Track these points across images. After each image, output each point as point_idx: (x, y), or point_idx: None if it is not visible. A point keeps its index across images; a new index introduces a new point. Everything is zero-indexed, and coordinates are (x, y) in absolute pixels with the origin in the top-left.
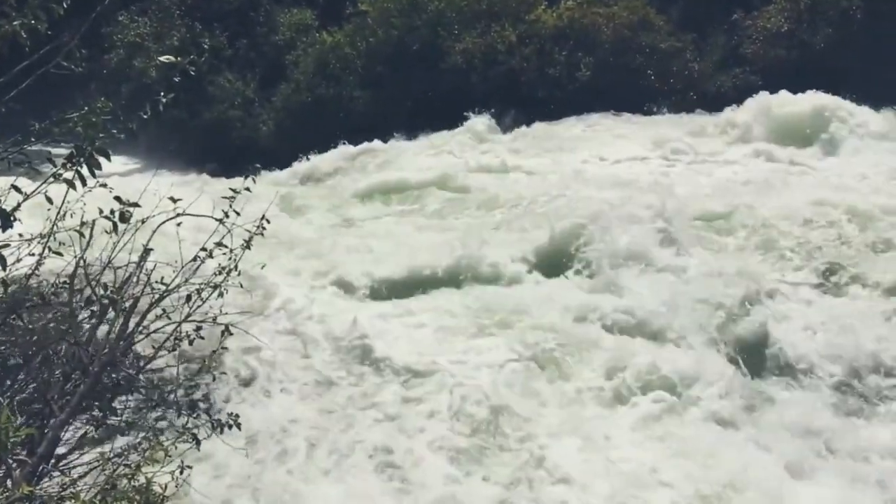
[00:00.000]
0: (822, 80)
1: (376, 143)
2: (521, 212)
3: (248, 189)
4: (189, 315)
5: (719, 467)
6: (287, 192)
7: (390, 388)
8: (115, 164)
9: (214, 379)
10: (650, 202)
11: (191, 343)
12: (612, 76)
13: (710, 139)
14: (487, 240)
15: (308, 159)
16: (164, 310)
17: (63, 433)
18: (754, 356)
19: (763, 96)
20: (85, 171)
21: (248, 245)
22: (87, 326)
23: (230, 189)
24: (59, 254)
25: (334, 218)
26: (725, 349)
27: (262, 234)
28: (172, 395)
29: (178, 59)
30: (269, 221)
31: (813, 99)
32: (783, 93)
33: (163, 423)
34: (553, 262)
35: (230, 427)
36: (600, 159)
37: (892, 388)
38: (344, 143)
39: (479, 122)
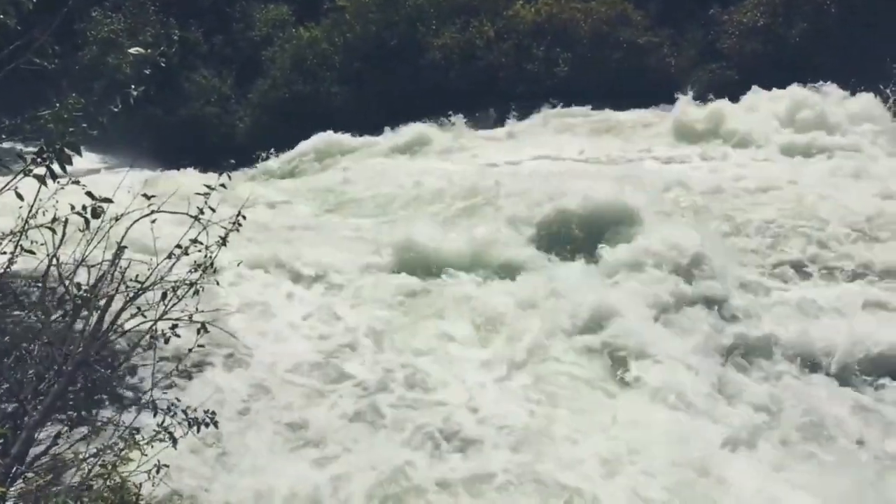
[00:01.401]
0: (797, 73)
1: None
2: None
3: (223, 185)
4: (164, 313)
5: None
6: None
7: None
8: (90, 163)
9: (191, 378)
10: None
11: (167, 342)
12: (591, 72)
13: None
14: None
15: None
16: (139, 308)
17: (37, 434)
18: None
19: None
20: (56, 167)
21: (224, 242)
22: (61, 326)
23: (205, 185)
24: (32, 252)
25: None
26: None
27: (238, 230)
28: (148, 394)
29: (149, 51)
30: (245, 217)
31: (717, 107)
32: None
33: (138, 423)
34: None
35: (207, 425)
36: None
37: None
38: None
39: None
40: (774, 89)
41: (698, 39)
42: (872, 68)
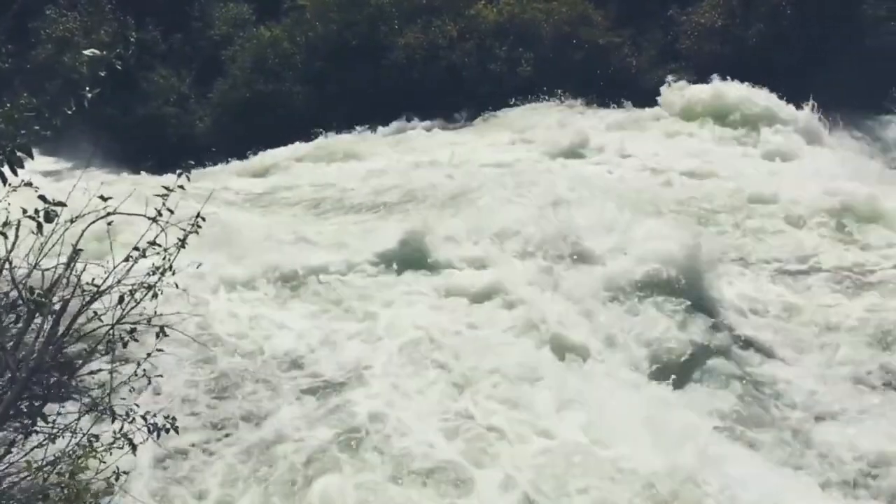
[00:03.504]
0: (755, 74)
1: None
2: None
3: (181, 187)
4: (122, 317)
5: None
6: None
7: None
8: (45, 164)
9: (150, 382)
10: None
11: (125, 346)
12: (553, 72)
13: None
14: None
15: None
16: (95, 312)
17: None
18: None
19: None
20: (7, 170)
21: (183, 244)
22: (14, 331)
23: (163, 187)
24: None
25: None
26: None
27: (198, 233)
28: (106, 400)
29: (104, 52)
30: (204, 219)
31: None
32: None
33: (96, 429)
34: None
35: (167, 431)
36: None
37: None
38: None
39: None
40: None
41: (658, 40)
42: (829, 69)
